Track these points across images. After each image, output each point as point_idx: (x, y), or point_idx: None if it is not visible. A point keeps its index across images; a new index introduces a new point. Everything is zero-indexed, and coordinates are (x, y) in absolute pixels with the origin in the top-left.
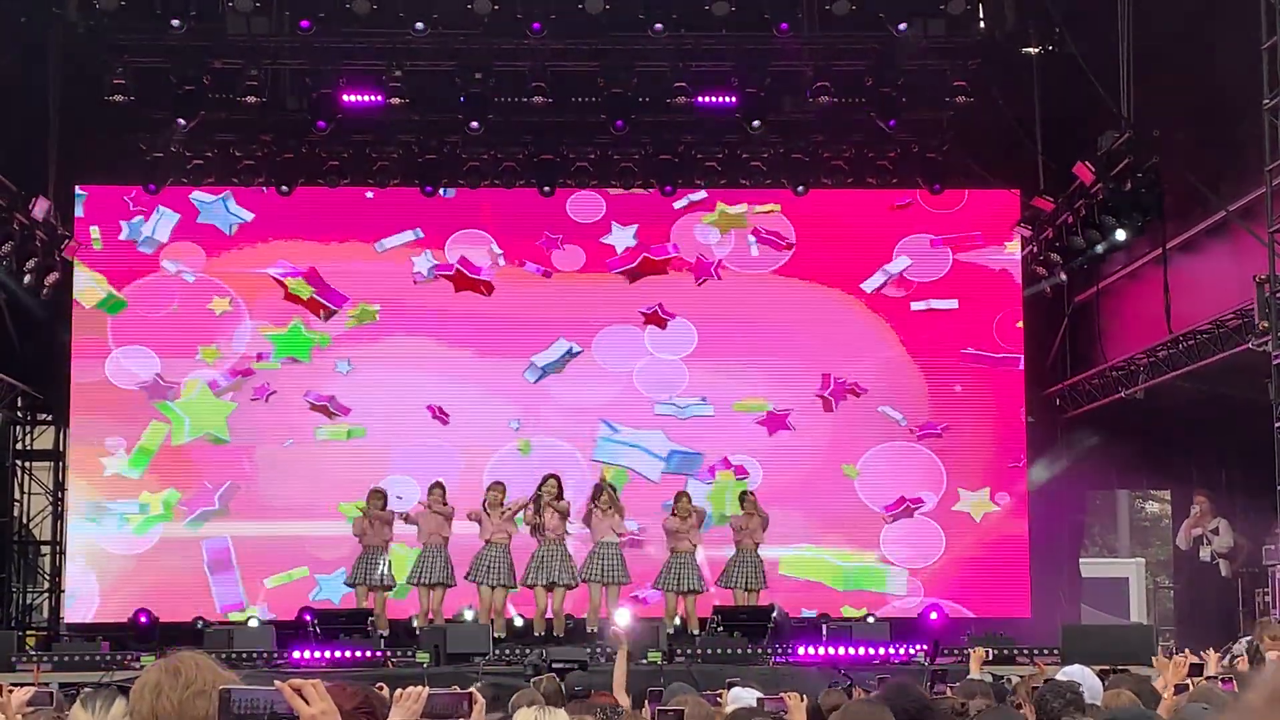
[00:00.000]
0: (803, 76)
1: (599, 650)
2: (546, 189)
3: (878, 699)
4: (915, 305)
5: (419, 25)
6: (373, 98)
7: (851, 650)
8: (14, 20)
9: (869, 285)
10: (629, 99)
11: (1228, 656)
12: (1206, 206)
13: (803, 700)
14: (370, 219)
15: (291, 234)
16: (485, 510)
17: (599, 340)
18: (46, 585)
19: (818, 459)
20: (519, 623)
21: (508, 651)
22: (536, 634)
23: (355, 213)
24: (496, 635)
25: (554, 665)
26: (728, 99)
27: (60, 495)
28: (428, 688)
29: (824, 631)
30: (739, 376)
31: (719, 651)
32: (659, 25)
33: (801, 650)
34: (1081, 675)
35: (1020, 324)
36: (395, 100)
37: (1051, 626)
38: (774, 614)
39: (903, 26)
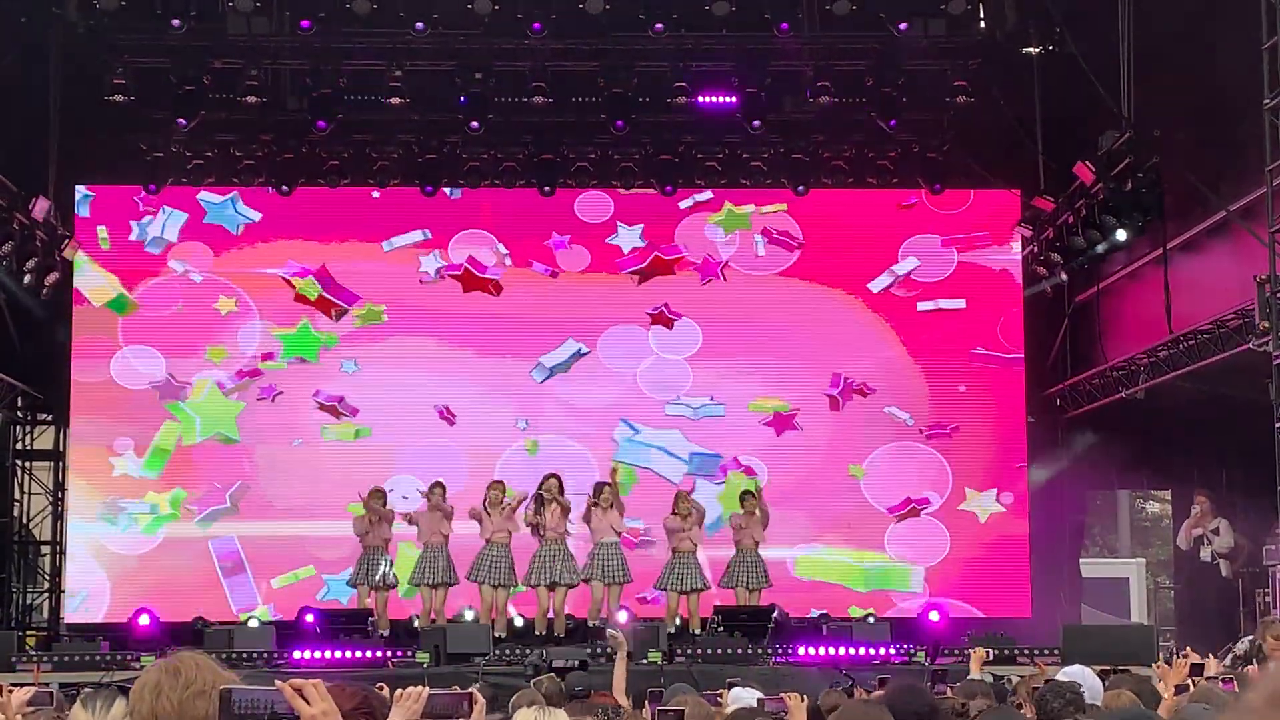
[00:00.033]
0: (803, 76)
1: (599, 650)
2: (547, 189)
3: (882, 700)
4: (922, 305)
5: (419, 25)
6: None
7: (852, 650)
8: (14, 20)
9: (875, 285)
10: (629, 99)
11: (1228, 656)
12: (1207, 206)
13: (803, 700)
14: (376, 219)
15: (297, 234)
16: (485, 509)
17: (604, 340)
18: (46, 585)
19: (824, 459)
20: (519, 623)
21: (508, 651)
22: (537, 634)
23: (361, 213)
24: (497, 635)
25: (554, 665)
26: (728, 99)
27: (60, 495)
28: (428, 688)
29: (824, 631)
30: (744, 377)
31: (719, 651)
32: (659, 25)
33: (802, 650)
34: (1082, 675)
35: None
36: (395, 100)
37: (1052, 627)
38: (774, 614)
39: (903, 26)
